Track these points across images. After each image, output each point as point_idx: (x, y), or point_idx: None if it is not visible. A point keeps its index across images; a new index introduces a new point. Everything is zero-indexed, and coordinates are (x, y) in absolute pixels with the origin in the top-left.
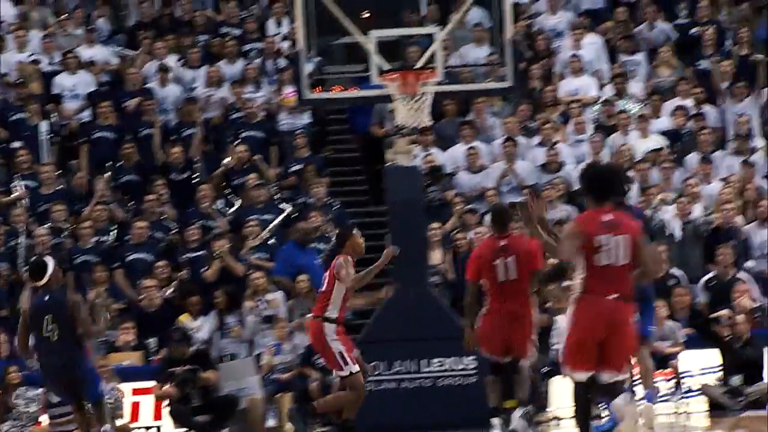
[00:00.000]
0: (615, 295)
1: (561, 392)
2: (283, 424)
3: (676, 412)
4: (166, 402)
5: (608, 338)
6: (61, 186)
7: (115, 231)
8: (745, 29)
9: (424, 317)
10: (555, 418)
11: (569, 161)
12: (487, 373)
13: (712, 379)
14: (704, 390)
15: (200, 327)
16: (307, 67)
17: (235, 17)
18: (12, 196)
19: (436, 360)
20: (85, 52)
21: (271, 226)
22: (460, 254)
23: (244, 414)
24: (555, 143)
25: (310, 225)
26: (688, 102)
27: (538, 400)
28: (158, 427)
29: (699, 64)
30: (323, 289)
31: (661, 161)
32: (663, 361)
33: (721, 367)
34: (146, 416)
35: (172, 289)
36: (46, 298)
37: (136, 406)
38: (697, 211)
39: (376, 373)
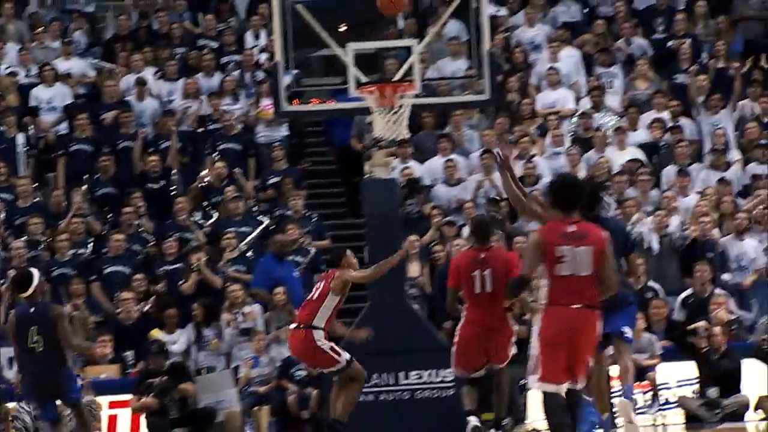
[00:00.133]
0: (579, 305)
1: (539, 404)
2: None
3: (653, 425)
4: (145, 415)
5: (572, 347)
6: (38, 199)
7: (92, 244)
8: (721, 42)
9: (402, 330)
10: (533, 430)
11: (546, 174)
12: (463, 385)
13: (689, 392)
14: (681, 402)
15: (174, 340)
16: (285, 80)
17: (213, 30)
18: None
19: (414, 372)
20: (62, 65)
21: (249, 238)
22: (437, 267)
23: (222, 427)
24: (532, 156)
25: (288, 237)
26: (665, 115)
27: (516, 413)
28: None
29: (676, 77)
30: (312, 298)
31: (638, 174)
32: (640, 373)
33: (698, 380)
34: (123, 429)
35: (149, 305)
36: (32, 309)
37: (113, 419)
38: (674, 223)
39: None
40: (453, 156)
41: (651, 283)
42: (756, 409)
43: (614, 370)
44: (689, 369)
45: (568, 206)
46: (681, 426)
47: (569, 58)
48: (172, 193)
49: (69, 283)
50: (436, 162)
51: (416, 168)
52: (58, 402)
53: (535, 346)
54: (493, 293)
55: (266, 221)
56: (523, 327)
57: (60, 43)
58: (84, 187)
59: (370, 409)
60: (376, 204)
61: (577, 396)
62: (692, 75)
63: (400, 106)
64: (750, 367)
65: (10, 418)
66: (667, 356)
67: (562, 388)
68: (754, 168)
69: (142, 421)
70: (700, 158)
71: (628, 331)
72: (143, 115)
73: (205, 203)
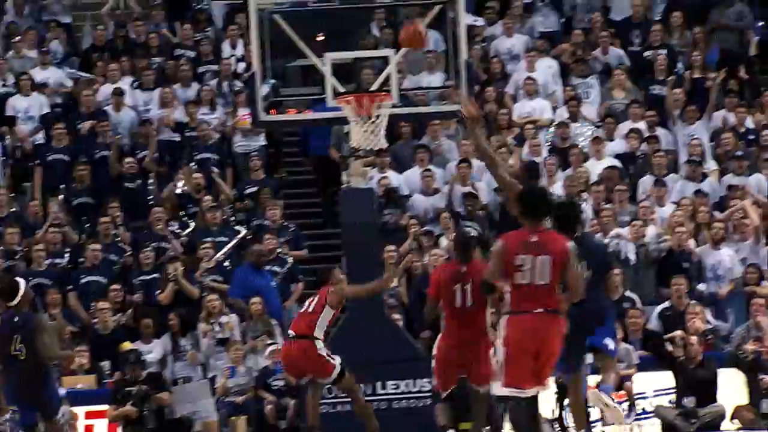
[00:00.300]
0: (540, 310)
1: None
2: None
3: None
4: (122, 424)
5: (538, 352)
6: (15, 209)
7: (69, 253)
8: (697, 53)
9: (379, 340)
10: None
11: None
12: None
13: (665, 401)
14: (658, 412)
15: (150, 350)
16: (263, 90)
17: (190, 39)
18: None
19: (390, 382)
20: (39, 75)
21: (226, 248)
22: (414, 277)
23: None
24: (510, 166)
25: (265, 247)
26: (641, 125)
27: (494, 422)
28: None
29: (653, 88)
30: (308, 311)
31: (615, 183)
32: (617, 383)
33: (674, 389)
34: None
35: (126, 319)
36: (16, 318)
37: (89, 430)
38: (650, 234)
39: (332, 395)
40: (430, 165)
41: (628, 293)
42: (732, 418)
43: (592, 379)
44: (666, 379)
45: (535, 217)
46: None
47: (547, 68)
48: (149, 203)
49: (45, 293)
50: (414, 172)
51: (394, 177)
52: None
53: (500, 352)
54: (473, 307)
55: (243, 231)
56: None
57: (37, 52)
58: (61, 197)
59: (347, 419)
60: (353, 214)
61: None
62: (669, 87)
63: (378, 116)
64: (726, 376)
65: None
66: (644, 366)
67: (527, 393)
68: (730, 178)
69: (119, 431)
70: (676, 169)
71: (610, 343)
72: (120, 126)
73: (182, 213)
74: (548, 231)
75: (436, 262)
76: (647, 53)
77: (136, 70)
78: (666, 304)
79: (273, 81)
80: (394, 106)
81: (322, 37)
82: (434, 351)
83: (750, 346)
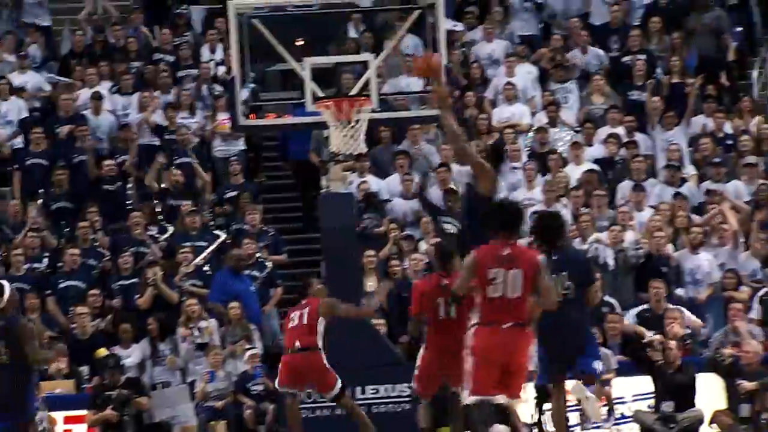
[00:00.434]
0: (510, 323)
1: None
2: None
3: None
4: (101, 429)
5: (506, 365)
6: None
7: (48, 258)
8: (676, 58)
9: (358, 344)
10: None
11: (503, 188)
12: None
13: (644, 406)
14: (636, 417)
15: (129, 355)
16: (242, 94)
17: (169, 44)
18: None
19: (370, 387)
20: (17, 79)
21: (206, 253)
22: (394, 281)
23: None
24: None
25: (245, 252)
26: (620, 130)
27: (473, 427)
28: None
29: (632, 94)
30: (302, 323)
31: (594, 188)
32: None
33: (653, 394)
34: None
35: (105, 324)
36: (1, 322)
37: None
38: (629, 239)
39: (311, 400)
40: (410, 170)
41: (607, 298)
42: (711, 423)
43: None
44: (645, 383)
45: (508, 230)
46: None
47: (526, 73)
48: (128, 207)
49: (24, 298)
50: (394, 178)
51: (373, 182)
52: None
53: (468, 363)
54: (457, 319)
55: (223, 235)
56: None
57: (15, 56)
58: (39, 202)
59: (327, 424)
60: (332, 218)
61: (508, 410)
62: (649, 93)
63: (357, 121)
64: (705, 381)
65: None
66: (623, 371)
67: (495, 399)
68: (709, 184)
69: None
70: (654, 174)
71: (599, 366)
72: (99, 130)
73: (159, 215)
74: (519, 244)
75: (417, 267)
76: (626, 58)
77: (115, 75)
78: (644, 306)
79: (253, 85)
80: (373, 111)
81: (302, 42)
82: (418, 361)
83: (728, 351)
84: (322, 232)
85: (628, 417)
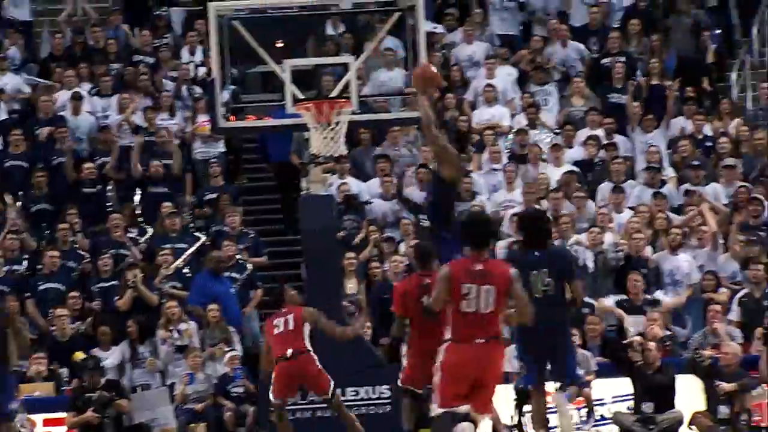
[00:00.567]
0: (482, 339)
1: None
2: None
3: None
4: (81, 430)
5: (476, 380)
6: None
7: (27, 260)
8: (655, 60)
9: (339, 346)
10: None
11: (483, 190)
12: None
13: (624, 408)
14: (616, 418)
15: (108, 357)
16: (222, 96)
17: (149, 45)
18: None
19: (350, 389)
20: None
21: (186, 255)
22: (374, 284)
23: None
24: (469, 172)
25: (224, 254)
26: (599, 132)
27: None
28: None
29: (611, 96)
30: (290, 329)
31: (573, 189)
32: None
33: (632, 395)
34: None
35: (85, 327)
36: None
37: None
38: (608, 240)
39: (291, 402)
40: (390, 171)
41: (586, 299)
42: (690, 424)
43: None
44: (624, 385)
45: (478, 243)
46: None
47: (507, 75)
48: (108, 209)
49: (3, 300)
50: (375, 182)
51: (353, 184)
52: None
53: (437, 377)
54: (440, 318)
55: (203, 237)
56: None
57: None
58: (19, 204)
59: (308, 426)
60: (313, 220)
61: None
62: (630, 96)
63: (337, 123)
64: (684, 383)
65: None
66: (603, 372)
67: (460, 410)
68: (688, 185)
69: None
70: (633, 176)
71: (581, 374)
72: (79, 131)
73: (139, 217)
74: (490, 259)
75: (397, 269)
76: (605, 60)
77: (94, 77)
78: (623, 296)
79: (233, 87)
80: (353, 113)
81: (282, 44)
82: (404, 362)
83: (707, 352)
84: (302, 234)
85: (608, 419)
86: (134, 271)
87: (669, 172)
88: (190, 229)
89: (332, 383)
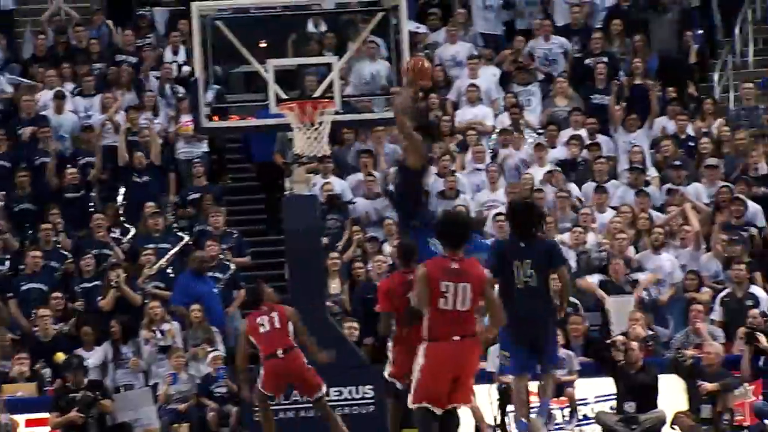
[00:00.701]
0: (458, 337)
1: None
2: None
3: None
4: (65, 431)
5: (455, 377)
6: None
7: (9, 260)
8: (638, 60)
9: (323, 346)
10: None
11: (467, 190)
12: (387, 398)
13: (607, 407)
14: (598, 418)
15: (90, 356)
16: (206, 96)
17: (132, 45)
18: None
19: (334, 389)
20: None
21: (169, 255)
22: (358, 284)
23: None
24: (453, 172)
25: (207, 254)
26: (582, 132)
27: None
28: None
29: (594, 97)
30: (276, 327)
31: (558, 184)
32: (558, 389)
33: (615, 395)
34: None
35: (68, 328)
36: None
37: None
38: (591, 240)
39: (275, 402)
40: (373, 170)
41: (570, 299)
42: (672, 424)
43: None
44: (607, 385)
45: (454, 243)
46: None
47: (491, 75)
48: (91, 209)
49: None
50: (357, 177)
51: (337, 183)
52: None
53: (416, 373)
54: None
55: (186, 237)
56: None
57: None
58: (1, 204)
59: (291, 426)
60: (296, 220)
61: (455, 420)
62: (613, 98)
63: (321, 123)
64: (666, 382)
65: None
66: (585, 372)
67: (437, 409)
68: (670, 186)
69: None
70: (616, 175)
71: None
72: (62, 129)
73: (122, 216)
74: (466, 258)
75: (380, 269)
76: (588, 60)
77: (77, 77)
78: (604, 277)
79: (217, 87)
80: (337, 113)
81: (265, 44)
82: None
83: (689, 352)
84: (285, 235)
85: (591, 418)
86: (117, 271)
87: (651, 172)
88: (174, 229)
89: (324, 384)
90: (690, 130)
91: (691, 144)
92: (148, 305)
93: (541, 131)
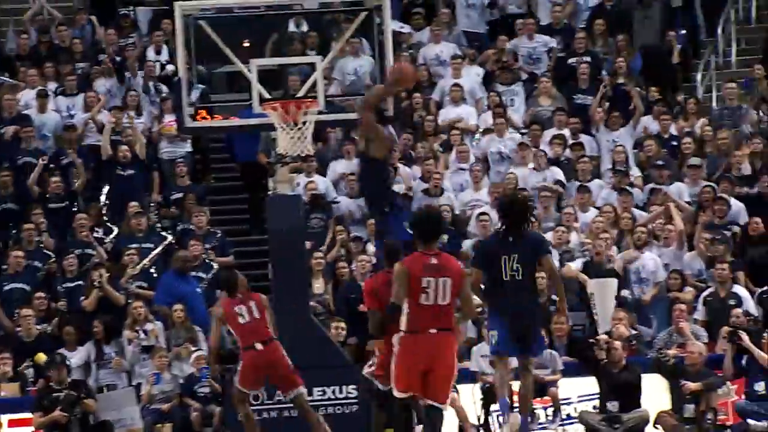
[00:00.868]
0: (435, 329)
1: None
2: None
3: None
4: (48, 430)
5: (431, 369)
6: None
7: None
8: (621, 60)
9: (306, 346)
10: None
11: (450, 189)
12: (371, 402)
13: (590, 407)
14: (581, 417)
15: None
16: (189, 96)
17: (115, 44)
18: None
19: (317, 389)
20: None
21: (152, 255)
22: (342, 284)
23: None
24: (436, 172)
25: (191, 253)
26: (566, 131)
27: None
28: None
29: (577, 98)
30: (256, 317)
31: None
32: (542, 388)
33: (598, 395)
34: None
35: (51, 328)
36: None
37: None
38: (574, 240)
39: (258, 402)
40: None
41: (554, 297)
42: (655, 424)
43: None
44: (590, 384)
45: (429, 238)
46: None
47: (475, 75)
48: (74, 209)
49: None
50: (340, 164)
51: (320, 182)
52: None
53: (393, 365)
54: None
55: (169, 237)
56: None
57: None
58: None
59: (274, 425)
60: (280, 220)
61: (436, 413)
62: (596, 99)
63: (304, 123)
64: (649, 382)
65: None
66: (569, 372)
67: (421, 399)
68: (653, 185)
69: None
70: (599, 175)
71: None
72: (44, 128)
73: (104, 216)
74: (443, 253)
75: (364, 269)
76: (571, 60)
77: (60, 76)
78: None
79: (201, 87)
80: (320, 113)
81: (248, 44)
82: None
83: (672, 351)
84: (269, 234)
85: (574, 418)
86: (100, 271)
87: (635, 172)
88: (157, 228)
89: (302, 383)
90: (673, 130)
91: (674, 143)
92: (131, 305)
93: (524, 131)
